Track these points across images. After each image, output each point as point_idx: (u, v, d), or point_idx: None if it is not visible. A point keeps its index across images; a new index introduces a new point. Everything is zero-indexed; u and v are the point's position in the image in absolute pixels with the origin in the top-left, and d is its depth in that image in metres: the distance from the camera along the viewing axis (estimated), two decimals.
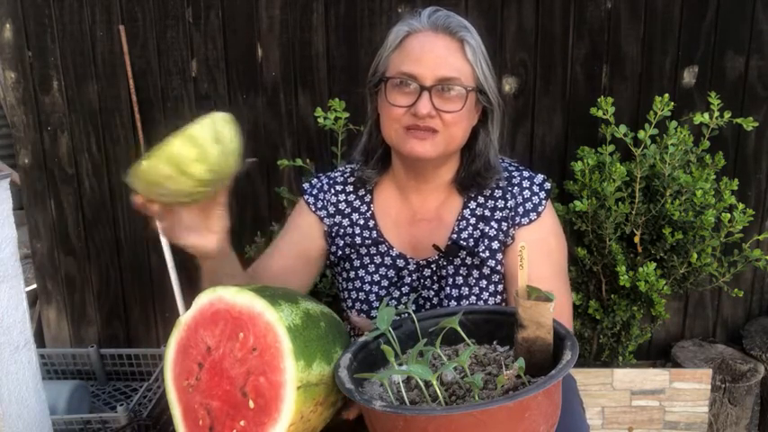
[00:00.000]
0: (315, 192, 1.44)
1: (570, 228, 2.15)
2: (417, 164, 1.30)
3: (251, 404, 0.93)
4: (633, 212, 2.04)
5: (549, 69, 2.31)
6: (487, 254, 1.33)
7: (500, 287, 1.35)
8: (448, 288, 1.33)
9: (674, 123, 2.02)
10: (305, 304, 1.04)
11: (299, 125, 2.40)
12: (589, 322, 2.24)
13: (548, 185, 1.37)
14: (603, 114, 2.06)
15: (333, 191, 1.43)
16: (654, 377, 2.13)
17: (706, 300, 2.49)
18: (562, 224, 2.14)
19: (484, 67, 1.28)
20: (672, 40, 2.26)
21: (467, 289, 1.33)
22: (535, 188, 1.35)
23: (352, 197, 1.42)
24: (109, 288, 2.61)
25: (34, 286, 2.68)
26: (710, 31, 2.25)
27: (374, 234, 1.38)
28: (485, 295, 1.33)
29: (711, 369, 2.16)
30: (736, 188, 2.05)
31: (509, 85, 2.33)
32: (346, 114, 2.10)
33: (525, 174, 1.38)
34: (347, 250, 1.40)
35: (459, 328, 0.98)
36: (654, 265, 1.99)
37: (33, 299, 2.68)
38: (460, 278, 1.34)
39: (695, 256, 1.99)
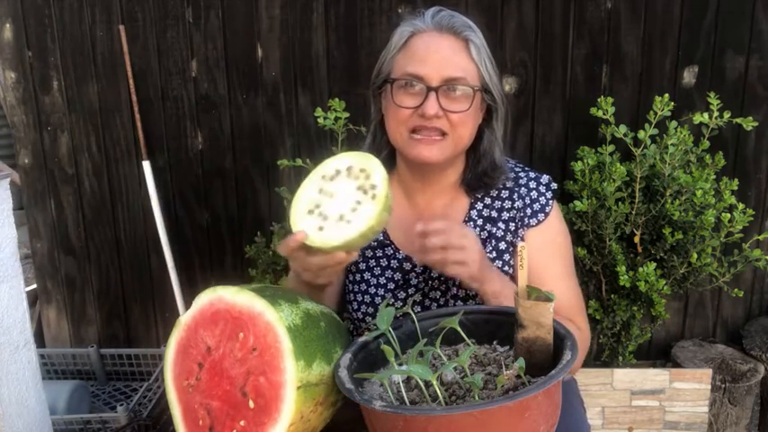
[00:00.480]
0: None
1: (570, 228, 2.14)
2: (423, 167, 1.30)
3: (251, 404, 0.93)
4: (633, 212, 2.04)
5: (549, 69, 2.31)
6: (494, 255, 1.33)
7: None
8: (455, 289, 1.33)
9: (673, 123, 2.02)
10: (305, 304, 1.04)
11: (299, 125, 2.40)
12: (589, 322, 2.24)
13: (554, 186, 1.38)
14: (603, 114, 2.06)
15: None
16: (654, 377, 2.13)
17: (706, 300, 2.49)
18: None
19: (488, 66, 1.28)
20: (672, 40, 2.26)
21: (473, 290, 1.33)
22: (542, 188, 1.36)
23: None
24: (109, 288, 2.61)
25: (34, 286, 2.68)
26: (710, 31, 2.25)
27: (380, 236, 1.38)
28: None
29: (711, 369, 2.16)
30: (736, 188, 2.05)
31: (509, 84, 2.33)
32: (346, 114, 2.10)
33: (531, 174, 1.38)
34: None
35: (459, 328, 0.98)
36: (654, 265, 1.99)
37: (33, 299, 2.68)
38: None
39: (695, 256, 1.99)
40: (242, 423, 0.93)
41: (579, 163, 2.06)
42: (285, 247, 1.11)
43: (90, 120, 2.46)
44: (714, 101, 2.04)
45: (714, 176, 2.05)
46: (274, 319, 0.93)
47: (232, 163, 2.45)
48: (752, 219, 2.02)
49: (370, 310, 1.38)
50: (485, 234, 1.34)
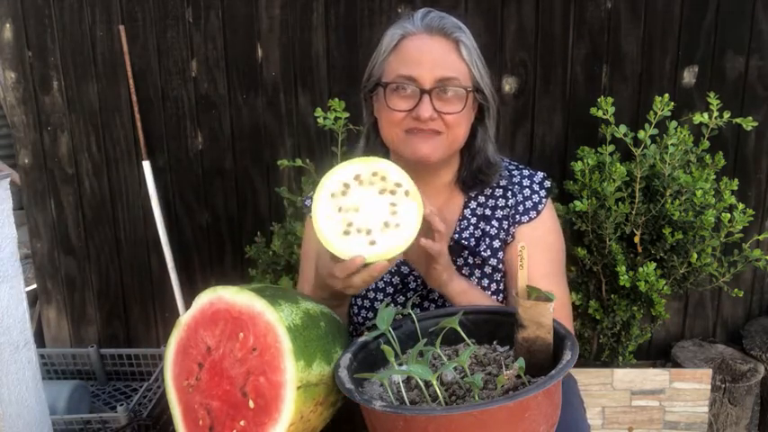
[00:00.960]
0: None
1: (570, 228, 2.15)
2: (418, 166, 1.30)
3: (251, 404, 0.93)
4: (633, 212, 2.04)
5: (549, 69, 2.31)
6: (489, 253, 1.33)
7: (502, 285, 1.35)
8: None
9: (673, 123, 2.02)
10: (305, 304, 1.04)
11: (299, 125, 2.40)
12: (589, 322, 2.24)
13: (548, 183, 1.37)
14: (603, 114, 2.06)
15: None
16: (654, 377, 2.13)
17: (706, 300, 2.48)
18: (562, 224, 2.14)
19: (479, 66, 1.28)
20: (672, 40, 2.26)
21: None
22: (535, 186, 1.36)
23: None
24: (109, 288, 2.61)
25: (34, 286, 2.68)
26: (710, 31, 2.25)
27: None
28: (487, 293, 1.34)
29: (711, 369, 2.16)
30: (736, 188, 2.05)
31: (509, 85, 2.33)
32: (346, 114, 2.10)
33: (525, 172, 1.38)
34: None
35: (459, 328, 0.99)
36: (654, 265, 1.99)
37: (33, 299, 2.68)
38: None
39: (695, 256, 1.99)
40: (242, 423, 0.93)
41: (579, 163, 2.06)
42: (344, 270, 1.07)
43: (90, 120, 2.46)
44: (714, 101, 2.04)
45: (714, 176, 2.05)
46: (274, 319, 0.93)
47: (232, 163, 2.45)
48: (752, 219, 2.02)
49: (370, 314, 1.39)
50: (479, 232, 1.34)
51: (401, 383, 0.92)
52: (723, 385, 2.21)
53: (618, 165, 1.98)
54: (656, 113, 2.01)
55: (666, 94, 2.01)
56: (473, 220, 1.35)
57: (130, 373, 2.47)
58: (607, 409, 2.16)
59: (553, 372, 0.85)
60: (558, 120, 2.34)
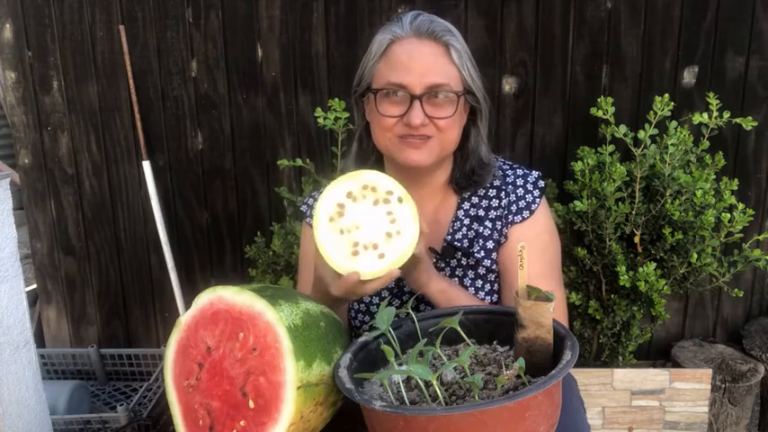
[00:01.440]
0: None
1: (570, 228, 2.15)
2: (412, 170, 1.30)
3: (251, 404, 0.93)
4: (633, 212, 2.04)
5: (549, 69, 2.31)
6: (482, 254, 1.33)
7: (496, 286, 1.35)
8: None
9: (673, 123, 2.02)
10: (305, 304, 1.04)
11: (299, 125, 2.40)
12: (589, 322, 2.24)
13: (542, 183, 1.36)
14: (603, 114, 2.06)
15: None
16: (654, 377, 2.13)
17: (706, 300, 2.49)
18: (562, 224, 2.15)
19: (470, 68, 1.28)
20: (672, 40, 2.26)
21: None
22: (529, 186, 1.35)
23: None
24: (109, 288, 2.61)
25: (34, 286, 2.68)
26: (710, 31, 2.25)
27: None
28: (481, 294, 1.34)
29: (711, 369, 2.16)
30: (736, 188, 2.05)
31: (509, 85, 2.33)
32: (346, 114, 2.10)
33: (519, 172, 1.38)
34: None
35: (459, 328, 0.98)
36: (654, 265, 1.99)
37: (33, 299, 2.68)
38: (456, 279, 1.34)
39: (695, 256, 1.99)
40: (242, 423, 0.93)
41: (579, 163, 2.06)
42: (342, 287, 1.11)
43: (90, 120, 2.46)
44: (714, 101, 2.04)
45: (714, 176, 2.05)
46: (274, 319, 0.93)
47: (232, 163, 2.45)
48: (752, 219, 2.02)
49: (367, 318, 1.39)
50: (472, 233, 1.34)
51: (401, 383, 0.92)
52: (723, 385, 2.21)
53: (618, 165, 1.98)
54: (656, 113, 2.01)
55: (666, 94, 2.02)
56: (466, 221, 1.35)
57: (130, 373, 2.47)
58: (607, 409, 2.16)
59: (553, 372, 0.85)
60: (558, 120, 2.34)
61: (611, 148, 2.06)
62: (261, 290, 1.00)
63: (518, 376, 0.89)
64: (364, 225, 1.09)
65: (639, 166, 1.99)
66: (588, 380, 2.13)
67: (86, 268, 2.59)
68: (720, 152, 2.10)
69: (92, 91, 2.43)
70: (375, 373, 0.97)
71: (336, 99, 2.14)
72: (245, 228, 2.50)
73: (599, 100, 2.07)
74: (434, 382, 0.86)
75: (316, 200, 1.42)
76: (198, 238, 2.53)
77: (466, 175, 1.35)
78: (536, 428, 0.85)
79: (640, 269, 1.98)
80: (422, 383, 0.90)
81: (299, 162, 2.23)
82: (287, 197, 2.29)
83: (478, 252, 1.33)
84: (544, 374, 0.87)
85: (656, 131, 2.01)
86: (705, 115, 2.06)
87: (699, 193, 1.96)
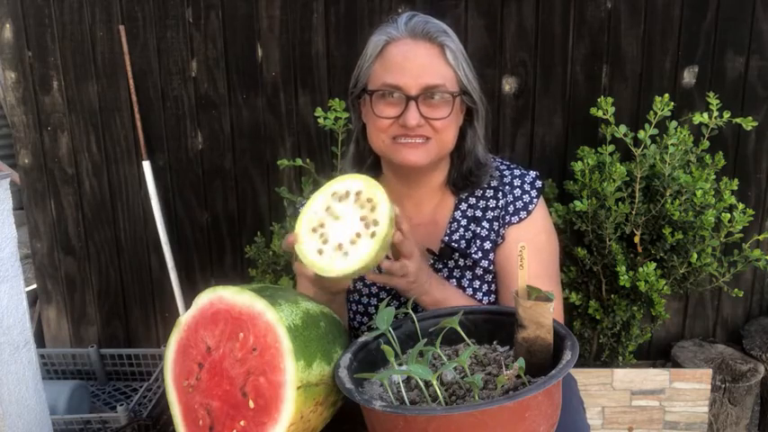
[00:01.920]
0: None
1: (570, 228, 2.15)
2: (409, 171, 1.30)
3: (251, 404, 0.93)
4: (633, 212, 2.04)
5: (549, 69, 2.31)
6: (480, 255, 1.33)
7: (494, 286, 1.35)
8: None
9: (673, 123, 2.02)
10: (305, 304, 1.04)
11: (299, 125, 2.40)
12: (589, 322, 2.24)
13: (539, 183, 1.36)
14: (603, 114, 2.06)
15: None
16: (654, 377, 2.13)
17: (706, 300, 2.49)
18: (562, 224, 2.15)
19: (466, 69, 1.27)
20: (672, 40, 2.26)
21: (461, 290, 1.33)
22: (527, 186, 1.35)
23: None
24: (109, 288, 2.61)
25: (34, 286, 2.68)
26: (710, 31, 2.25)
27: None
28: (479, 295, 1.33)
29: (711, 369, 2.16)
30: (736, 188, 2.05)
31: (509, 85, 2.33)
32: (346, 114, 2.10)
33: (517, 172, 1.37)
34: None
35: (459, 328, 0.98)
36: (654, 265, 1.99)
37: (33, 299, 2.68)
38: (454, 280, 1.34)
39: (695, 256, 1.99)
40: (242, 423, 0.93)
41: (579, 163, 2.06)
42: (284, 243, 1.14)
43: (90, 120, 2.46)
44: (714, 101, 2.04)
45: (714, 176, 2.05)
46: (274, 319, 0.93)
47: (232, 163, 2.45)
48: (752, 219, 2.02)
49: (365, 319, 1.39)
50: (469, 234, 1.34)
51: (401, 383, 0.92)
52: (723, 385, 2.21)
53: (618, 165, 1.98)
54: (656, 113, 2.01)
55: (666, 94, 2.02)
56: (463, 222, 1.35)
57: (130, 373, 2.47)
58: (607, 409, 2.16)
59: (553, 372, 0.85)
60: (558, 120, 2.34)
61: (611, 148, 2.06)
62: (261, 290, 1.00)
63: (518, 376, 0.89)
64: (340, 222, 1.09)
65: (639, 166, 1.99)
66: (588, 380, 2.13)
67: (86, 268, 2.59)
68: (720, 152, 2.10)
69: (92, 91, 2.43)
70: (375, 373, 0.97)
71: (336, 99, 2.14)
72: (245, 228, 2.50)
73: (599, 100, 2.07)
74: (434, 382, 0.86)
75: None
76: (198, 238, 2.53)
77: (463, 175, 1.35)
78: (536, 428, 0.85)
79: (640, 269, 1.98)
80: (422, 383, 0.90)
81: (298, 162, 2.23)
82: (287, 197, 2.29)
83: (476, 253, 1.32)
84: (544, 374, 0.87)
85: (656, 131, 2.01)
86: (705, 115, 2.06)
87: (699, 193, 1.96)
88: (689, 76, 2.29)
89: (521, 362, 0.88)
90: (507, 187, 1.35)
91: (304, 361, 0.93)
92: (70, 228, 2.56)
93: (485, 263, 1.33)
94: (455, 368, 0.93)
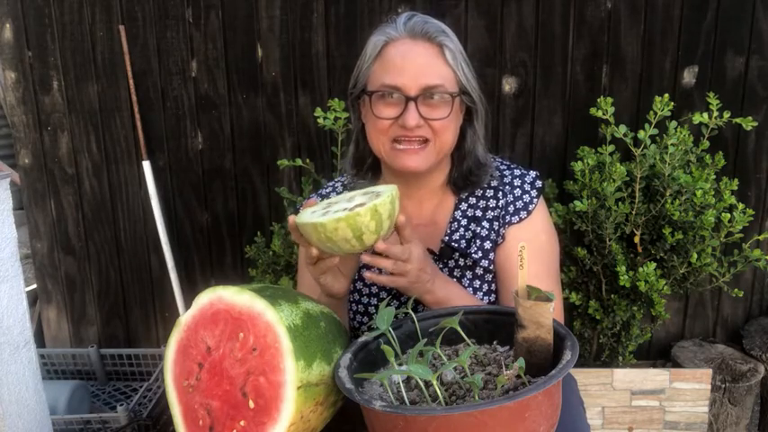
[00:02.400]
0: None
1: (570, 228, 2.15)
2: (409, 174, 1.30)
3: (251, 404, 0.93)
4: (633, 212, 2.04)
5: (549, 69, 2.31)
6: (480, 254, 1.33)
7: (494, 286, 1.35)
8: None
9: (673, 123, 2.02)
10: (305, 304, 1.04)
11: (299, 125, 2.40)
12: (589, 322, 2.24)
13: (539, 183, 1.36)
14: (603, 114, 2.06)
15: None
16: (654, 377, 2.13)
17: (706, 300, 2.49)
18: (562, 224, 2.15)
19: (465, 69, 1.27)
20: (672, 40, 2.26)
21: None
22: (527, 186, 1.34)
23: None
24: (109, 288, 2.61)
25: (34, 286, 2.68)
26: (710, 31, 2.25)
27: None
28: (479, 295, 1.33)
29: (711, 369, 2.16)
30: (736, 188, 2.05)
31: (509, 85, 2.33)
32: (346, 114, 2.10)
33: (517, 172, 1.37)
34: None
35: (459, 328, 0.98)
36: (654, 265, 1.99)
37: (33, 299, 2.68)
38: (454, 280, 1.34)
39: (695, 256, 1.99)
40: (242, 423, 0.93)
41: (579, 163, 2.06)
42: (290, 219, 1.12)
43: (90, 120, 2.46)
44: (714, 101, 2.04)
45: (714, 176, 2.05)
46: (274, 319, 0.93)
47: (232, 163, 2.45)
48: (752, 219, 2.02)
49: (365, 319, 1.39)
50: (469, 234, 1.34)
51: (401, 383, 0.92)
52: (723, 385, 2.21)
53: (618, 165, 1.98)
54: (656, 113, 2.01)
55: (666, 94, 2.01)
56: (464, 222, 1.35)
57: (130, 373, 2.47)
58: (607, 409, 2.16)
59: (553, 372, 0.85)
60: (558, 120, 2.34)
61: (611, 148, 2.06)
62: (261, 290, 1.00)
63: (518, 376, 0.89)
64: (344, 202, 1.11)
65: (639, 166, 1.99)
66: (588, 380, 2.13)
67: (86, 268, 2.59)
68: (720, 152, 2.10)
69: (92, 91, 2.43)
70: (375, 373, 0.97)
71: (336, 99, 2.14)
72: (245, 228, 2.50)
73: (599, 100, 2.07)
74: (434, 382, 0.86)
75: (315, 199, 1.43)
76: (198, 238, 2.53)
77: (463, 175, 1.35)
78: (536, 428, 0.85)
79: (640, 269, 1.98)
80: (422, 383, 0.90)
81: (298, 162, 2.23)
82: (287, 197, 2.29)
83: (476, 253, 1.32)
84: (544, 374, 0.87)
85: (656, 131, 2.00)
86: (705, 115, 2.06)
87: (699, 193, 1.96)
88: (689, 76, 2.30)
89: (521, 362, 0.88)
90: (507, 187, 1.35)
91: (304, 361, 0.93)
92: (70, 228, 2.56)
93: (485, 263, 1.33)
94: (455, 368, 0.93)
